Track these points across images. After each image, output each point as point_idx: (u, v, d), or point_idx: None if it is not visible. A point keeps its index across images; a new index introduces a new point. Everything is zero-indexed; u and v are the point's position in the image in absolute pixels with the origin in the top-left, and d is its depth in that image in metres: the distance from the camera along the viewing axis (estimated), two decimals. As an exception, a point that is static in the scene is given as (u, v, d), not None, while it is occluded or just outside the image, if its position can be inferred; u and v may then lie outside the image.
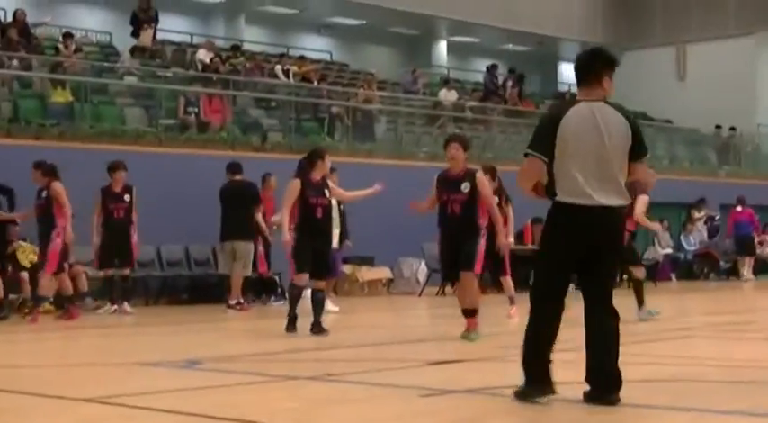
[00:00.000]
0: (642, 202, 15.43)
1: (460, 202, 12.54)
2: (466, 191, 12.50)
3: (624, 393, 7.57)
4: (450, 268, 12.94)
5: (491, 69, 34.12)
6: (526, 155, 7.61)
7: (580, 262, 7.61)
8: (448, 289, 24.13)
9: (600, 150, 7.47)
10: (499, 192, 16.57)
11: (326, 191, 13.97)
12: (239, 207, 18.99)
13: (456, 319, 14.62)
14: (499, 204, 16.28)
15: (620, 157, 7.57)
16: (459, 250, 12.58)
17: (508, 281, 17.02)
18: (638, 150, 7.69)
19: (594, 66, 7.73)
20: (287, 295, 15.02)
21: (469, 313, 12.90)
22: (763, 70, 39.03)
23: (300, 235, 13.54)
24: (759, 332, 14.81)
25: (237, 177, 19.41)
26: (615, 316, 7.69)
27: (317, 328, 13.40)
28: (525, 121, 32.97)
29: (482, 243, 13.23)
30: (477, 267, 12.71)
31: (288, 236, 13.55)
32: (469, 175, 12.61)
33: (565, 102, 7.64)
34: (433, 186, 12.79)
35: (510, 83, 33.80)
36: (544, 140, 7.53)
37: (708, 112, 36.59)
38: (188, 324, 16.89)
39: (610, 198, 7.48)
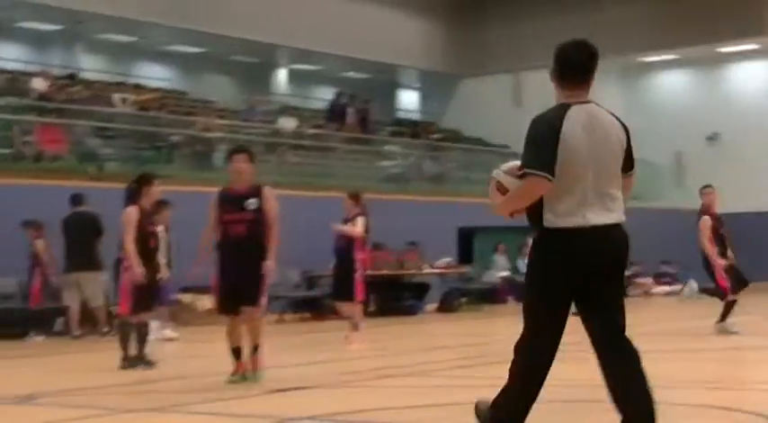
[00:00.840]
0: None
1: (246, 221, 11.07)
2: (252, 208, 11.07)
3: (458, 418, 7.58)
4: (231, 299, 11.14)
5: (336, 96, 34.17)
6: (525, 174, 6.38)
7: (579, 295, 6.50)
8: (288, 316, 24.13)
9: (598, 160, 6.42)
10: (366, 217, 16.66)
11: (156, 219, 13.79)
12: (82, 238, 18.72)
13: (299, 346, 14.58)
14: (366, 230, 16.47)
15: (617, 167, 6.54)
16: (243, 281, 11.06)
17: (356, 307, 16.92)
18: (628, 162, 6.65)
19: (590, 64, 6.63)
20: (118, 331, 13.99)
21: (252, 351, 11.31)
22: (595, 95, 39.86)
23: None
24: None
25: (80, 208, 19.13)
26: (636, 352, 6.48)
27: (143, 361, 13.16)
28: (367, 148, 33.18)
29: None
30: (262, 301, 11.19)
31: (138, 269, 12.81)
32: (257, 191, 11.25)
33: (553, 109, 6.50)
34: (212, 206, 11.23)
35: (350, 109, 33.88)
36: (546, 155, 6.31)
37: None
38: (19, 358, 16.49)
39: (610, 215, 6.41)
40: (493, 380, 11.33)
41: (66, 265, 18.91)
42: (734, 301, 16.74)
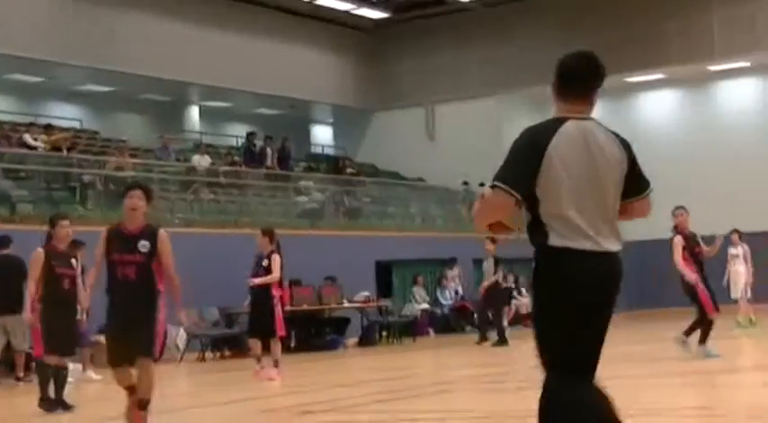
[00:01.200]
0: None
1: (137, 264, 9.92)
2: (144, 251, 9.91)
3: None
4: (122, 348, 9.86)
5: (250, 136, 33.98)
6: (492, 186, 5.72)
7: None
8: (208, 354, 23.90)
9: (594, 182, 5.83)
10: (279, 253, 16.72)
11: (73, 260, 13.55)
12: (8, 281, 18.47)
13: (219, 385, 14.36)
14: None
15: (616, 191, 5.92)
16: (134, 329, 9.78)
17: (277, 343, 16.98)
18: (638, 183, 6.06)
19: (592, 76, 5.98)
20: (38, 373, 13.73)
21: (140, 405, 9.93)
22: (506, 127, 40.14)
23: (47, 308, 12.83)
24: (513, 382, 15.07)
25: (5, 251, 18.89)
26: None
27: (60, 405, 12.94)
28: (282, 184, 33.06)
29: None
30: (156, 350, 9.96)
31: (29, 312, 12.84)
32: (150, 232, 10.09)
33: (546, 122, 5.93)
34: (100, 244, 10.09)
35: (269, 150, 33.65)
36: (519, 170, 5.72)
37: (457, 170, 37.37)
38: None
39: (610, 241, 5.81)
40: (414, 414, 11.31)
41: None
42: (712, 321, 16.77)
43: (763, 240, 31.01)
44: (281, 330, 16.89)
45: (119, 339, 9.86)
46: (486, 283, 24.75)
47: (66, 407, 12.91)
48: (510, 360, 20.10)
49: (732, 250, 25.18)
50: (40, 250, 13.00)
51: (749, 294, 25.32)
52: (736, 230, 25.41)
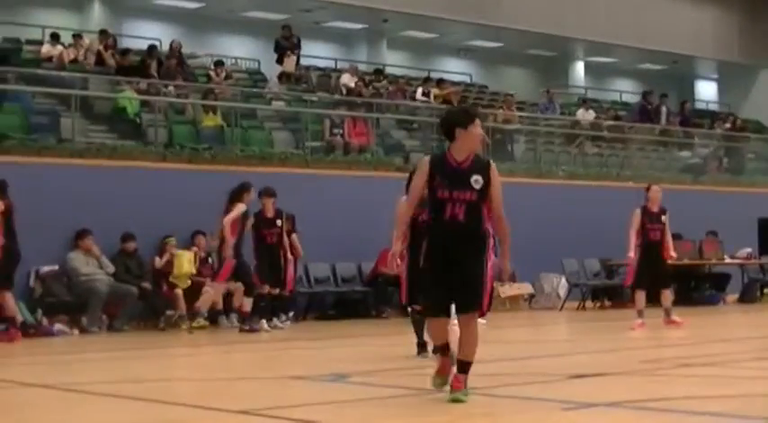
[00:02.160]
0: None
1: (467, 202, 8.41)
2: (477, 187, 8.42)
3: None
4: (444, 298, 8.57)
5: (646, 95, 33.63)
6: None
7: None
8: (588, 303, 24.04)
9: None
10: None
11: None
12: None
13: (595, 331, 14.41)
14: None
15: None
16: (463, 278, 8.43)
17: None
18: None
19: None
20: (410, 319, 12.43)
21: (461, 368, 8.55)
22: None
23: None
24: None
25: None
26: None
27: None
28: (666, 139, 32.60)
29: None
30: (485, 304, 8.49)
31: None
32: (482, 166, 8.56)
33: None
34: (421, 175, 8.59)
35: (664, 108, 33.23)
36: None
37: None
38: (334, 339, 17.02)
39: None
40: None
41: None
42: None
43: None
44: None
45: (442, 288, 8.48)
46: None
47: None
48: None
49: None
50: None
51: None
52: None
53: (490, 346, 14.93)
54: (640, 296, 17.26)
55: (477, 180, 8.45)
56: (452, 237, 8.47)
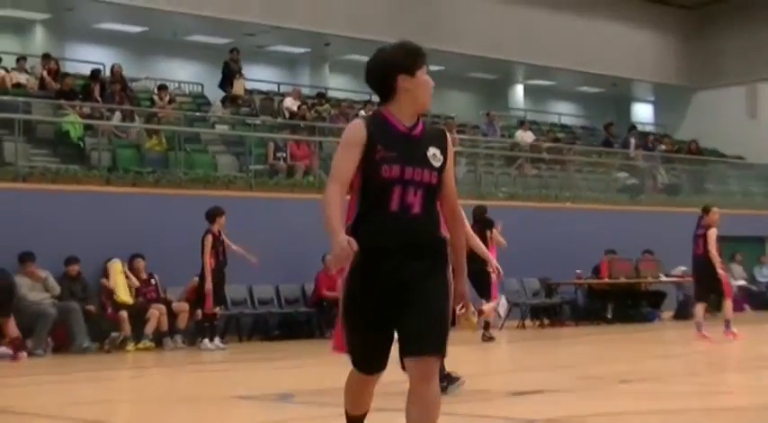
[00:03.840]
0: None
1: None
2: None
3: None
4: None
5: (608, 127, 34.19)
6: None
7: None
8: (528, 322, 24.19)
9: None
10: None
11: None
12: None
13: (535, 349, 14.46)
14: None
15: None
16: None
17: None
18: None
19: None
20: None
21: None
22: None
23: None
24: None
25: None
26: None
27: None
28: (603, 160, 32.91)
29: None
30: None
31: None
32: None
33: None
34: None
35: (632, 140, 33.75)
36: None
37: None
38: (279, 361, 17.01)
39: None
40: (727, 386, 11.20)
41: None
42: None
43: None
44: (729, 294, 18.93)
45: None
46: None
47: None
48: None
49: None
50: None
51: None
52: None
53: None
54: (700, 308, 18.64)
55: (434, 155, 5.67)
56: (403, 240, 5.54)
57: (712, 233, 18.83)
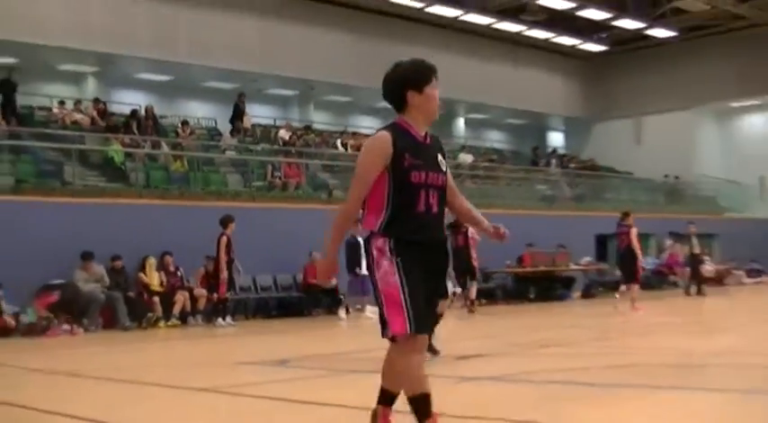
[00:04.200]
0: None
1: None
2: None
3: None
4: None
5: (535, 150, 34.37)
6: None
7: None
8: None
9: None
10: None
11: None
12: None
13: (473, 325, 14.29)
14: None
15: None
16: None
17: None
18: None
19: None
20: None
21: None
22: (699, 135, 39.06)
23: None
24: (705, 326, 14.61)
25: None
26: None
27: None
28: (527, 176, 32.93)
29: None
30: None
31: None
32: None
33: None
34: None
35: (554, 161, 34.02)
36: None
37: (659, 166, 36.90)
38: (277, 334, 16.89)
39: None
40: (626, 348, 11.18)
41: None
42: None
43: None
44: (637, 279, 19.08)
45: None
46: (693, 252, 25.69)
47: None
48: (702, 309, 19.52)
49: None
50: None
51: None
52: None
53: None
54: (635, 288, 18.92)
55: (441, 161, 5.32)
56: (430, 236, 5.17)
57: (634, 232, 19.17)
